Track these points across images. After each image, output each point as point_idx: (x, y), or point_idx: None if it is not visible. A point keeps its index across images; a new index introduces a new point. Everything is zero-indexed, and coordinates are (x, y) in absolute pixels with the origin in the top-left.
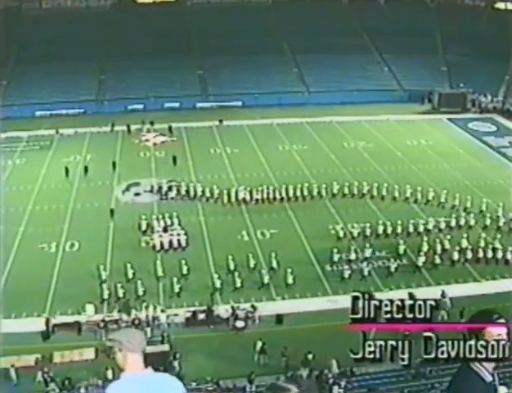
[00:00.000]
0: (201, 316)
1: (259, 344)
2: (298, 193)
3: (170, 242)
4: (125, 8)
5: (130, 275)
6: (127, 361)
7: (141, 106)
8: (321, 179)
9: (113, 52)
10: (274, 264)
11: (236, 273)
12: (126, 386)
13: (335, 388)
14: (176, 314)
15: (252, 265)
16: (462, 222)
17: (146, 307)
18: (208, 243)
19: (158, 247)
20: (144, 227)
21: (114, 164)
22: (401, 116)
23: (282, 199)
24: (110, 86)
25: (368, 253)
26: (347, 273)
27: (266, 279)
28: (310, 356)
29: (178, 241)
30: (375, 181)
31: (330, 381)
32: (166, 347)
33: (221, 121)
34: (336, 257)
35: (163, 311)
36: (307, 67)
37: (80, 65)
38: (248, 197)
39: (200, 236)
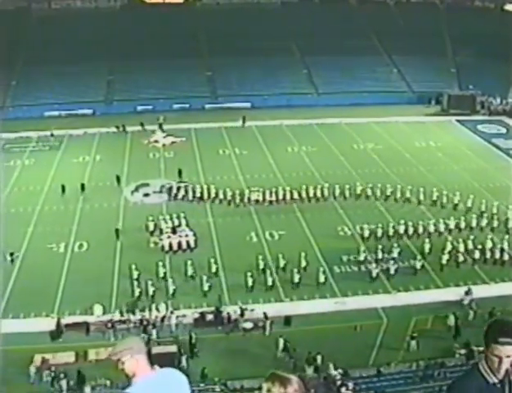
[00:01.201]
0: (209, 317)
1: (281, 342)
2: (307, 194)
3: (179, 243)
4: (134, 9)
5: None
6: (139, 364)
7: (150, 107)
8: (330, 181)
9: (122, 53)
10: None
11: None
12: (148, 386)
13: (343, 389)
14: (184, 315)
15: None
16: (473, 223)
17: (156, 308)
18: (216, 244)
19: (166, 248)
20: (151, 228)
21: (118, 178)
22: (410, 118)
23: (291, 200)
24: (119, 87)
25: (396, 253)
26: (375, 272)
27: (274, 280)
28: (319, 357)
29: (187, 242)
30: (384, 182)
31: (338, 382)
32: (174, 348)
33: (244, 119)
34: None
35: (172, 312)
36: (316, 68)
37: (89, 66)
38: (256, 198)
39: (209, 237)
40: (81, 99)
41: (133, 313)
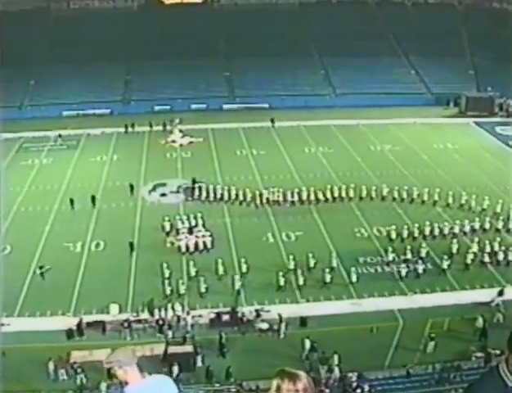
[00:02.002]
0: (225, 317)
1: (308, 342)
2: (324, 195)
3: (196, 244)
4: (152, 9)
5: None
6: (128, 375)
7: (167, 107)
8: (347, 182)
9: (140, 53)
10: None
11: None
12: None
13: (358, 391)
14: (200, 315)
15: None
16: (487, 225)
17: (172, 307)
18: (233, 244)
19: (183, 249)
20: (168, 228)
21: (131, 186)
22: (427, 119)
23: (308, 201)
24: (137, 87)
25: (424, 253)
26: (404, 272)
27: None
28: (335, 358)
29: (204, 242)
30: (401, 184)
31: (354, 384)
32: (190, 348)
33: (273, 121)
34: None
35: (188, 313)
36: (334, 69)
37: (107, 66)
38: (273, 199)
39: (226, 237)
40: (99, 99)
41: (151, 313)
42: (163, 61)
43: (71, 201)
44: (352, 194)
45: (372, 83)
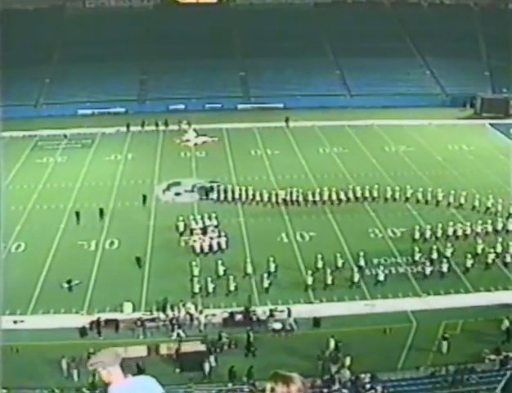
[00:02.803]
0: (238, 317)
1: (332, 341)
2: (338, 196)
3: (210, 246)
4: (168, 9)
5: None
6: (111, 375)
7: (182, 107)
8: (361, 183)
9: (155, 52)
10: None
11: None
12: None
13: None
14: (213, 315)
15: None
16: (499, 227)
17: (184, 305)
18: (247, 244)
19: (198, 250)
20: (181, 228)
21: (144, 197)
22: (442, 121)
23: (322, 202)
24: (152, 86)
25: (449, 252)
26: (428, 270)
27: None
28: (347, 360)
29: (218, 243)
30: (415, 185)
31: (367, 385)
32: (203, 347)
33: (287, 121)
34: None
35: (201, 312)
36: (349, 70)
37: (122, 65)
38: (288, 199)
39: (240, 237)
40: (114, 98)
41: (164, 311)
42: (179, 61)
43: (77, 214)
44: (366, 195)
45: (387, 84)
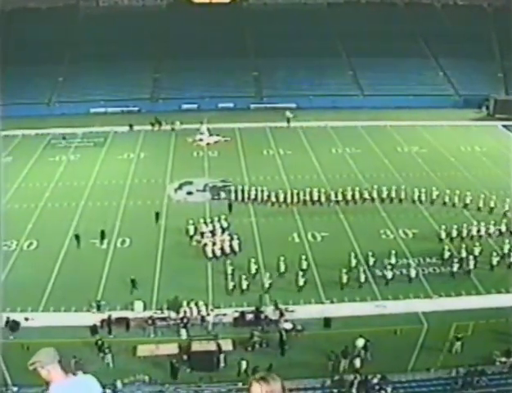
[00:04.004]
0: (249, 317)
1: (362, 341)
2: (350, 197)
3: (222, 249)
4: (181, 8)
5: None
6: (50, 373)
7: (195, 106)
8: (373, 183)
9: (168, 52)
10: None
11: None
12: (61, 392)
13: None
14: (224, 314)
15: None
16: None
17: (196, 304)
18: (258, 244)
19: (210, 255)
20: (191, 232)
21: (157, 215)
22: (455, 122)
23: (334, 202)
24: (165, 85)
25: (477, 251)
26: (456, 267)
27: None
28: (358, 361)
29: (231, 246)
30: (428, 186)
31: (376, 386)
32: (213, 346)
33: (288, 120)
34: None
35: (212, 311)
36: (362, 70)
37: (135, 64)
38: (299, 199)
39: (251, 236)
40: (127, 96)
41: (177, 311)
42: (192, 60)
43: (76, 237)
44: (378, 195)
45: (400, 85)
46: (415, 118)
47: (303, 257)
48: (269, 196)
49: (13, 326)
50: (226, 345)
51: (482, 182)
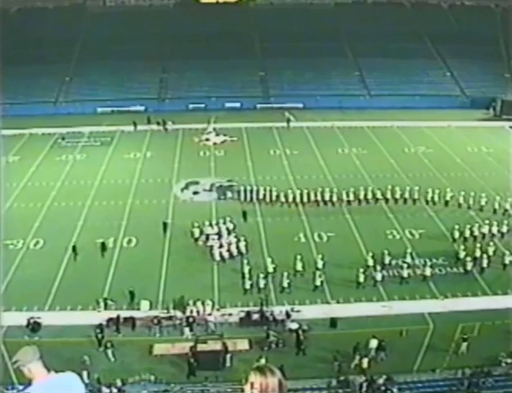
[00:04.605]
0: (255, 316)
1: (375, 341)
2: (356, 197)
3: (229, 252)
4: (188, 8)
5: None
6: (32, 372)
7: (202, 106)
8: (380, 184)
9: (175, 51)
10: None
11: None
12: (41, 390)
13: None
14: (230, 314)
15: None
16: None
17: (202, 304)
18: (264, 244)
19: (217, 258)
20: (197, 234)
21: (164, 225)
22: (462, 122)
23: (340, 202)
24: (172, 84)
25: (491, 251)
26: (469, 265)
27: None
28: (365, 362)
29: (237, 248)
30: (434, 187)
31: (382, 387)
32: (219, 346)
33: (288, 121)
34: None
35: (218, 310)
36: (368, 70)
37: (142, 64)
38: (306, 199)
39: (257, 236)
40: (134, 96)
41: (183, 310)
42: (199, 60)
43: (74, 248)
44: (384, 196)
45: (407, 85)
46: (422, 118)
47: (319, 256)
48: (278, 197)
49: (35, 327)
50: (243, 344)
51: (488, 182)
